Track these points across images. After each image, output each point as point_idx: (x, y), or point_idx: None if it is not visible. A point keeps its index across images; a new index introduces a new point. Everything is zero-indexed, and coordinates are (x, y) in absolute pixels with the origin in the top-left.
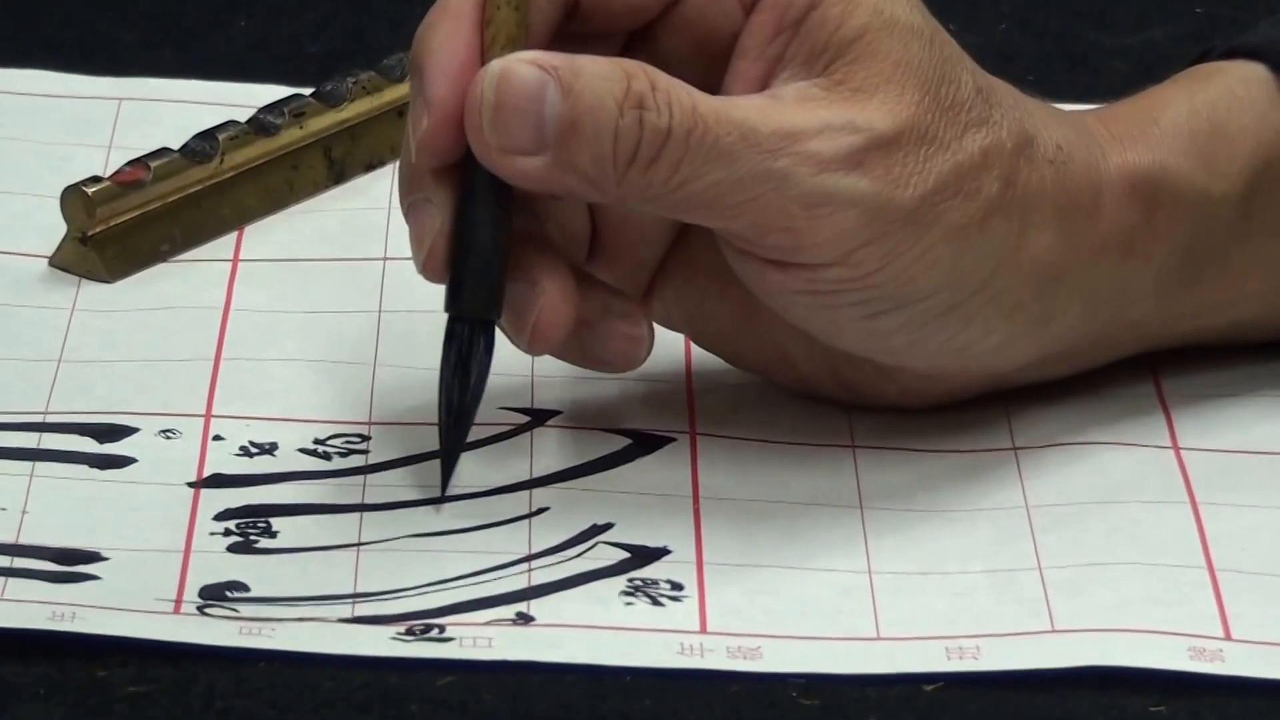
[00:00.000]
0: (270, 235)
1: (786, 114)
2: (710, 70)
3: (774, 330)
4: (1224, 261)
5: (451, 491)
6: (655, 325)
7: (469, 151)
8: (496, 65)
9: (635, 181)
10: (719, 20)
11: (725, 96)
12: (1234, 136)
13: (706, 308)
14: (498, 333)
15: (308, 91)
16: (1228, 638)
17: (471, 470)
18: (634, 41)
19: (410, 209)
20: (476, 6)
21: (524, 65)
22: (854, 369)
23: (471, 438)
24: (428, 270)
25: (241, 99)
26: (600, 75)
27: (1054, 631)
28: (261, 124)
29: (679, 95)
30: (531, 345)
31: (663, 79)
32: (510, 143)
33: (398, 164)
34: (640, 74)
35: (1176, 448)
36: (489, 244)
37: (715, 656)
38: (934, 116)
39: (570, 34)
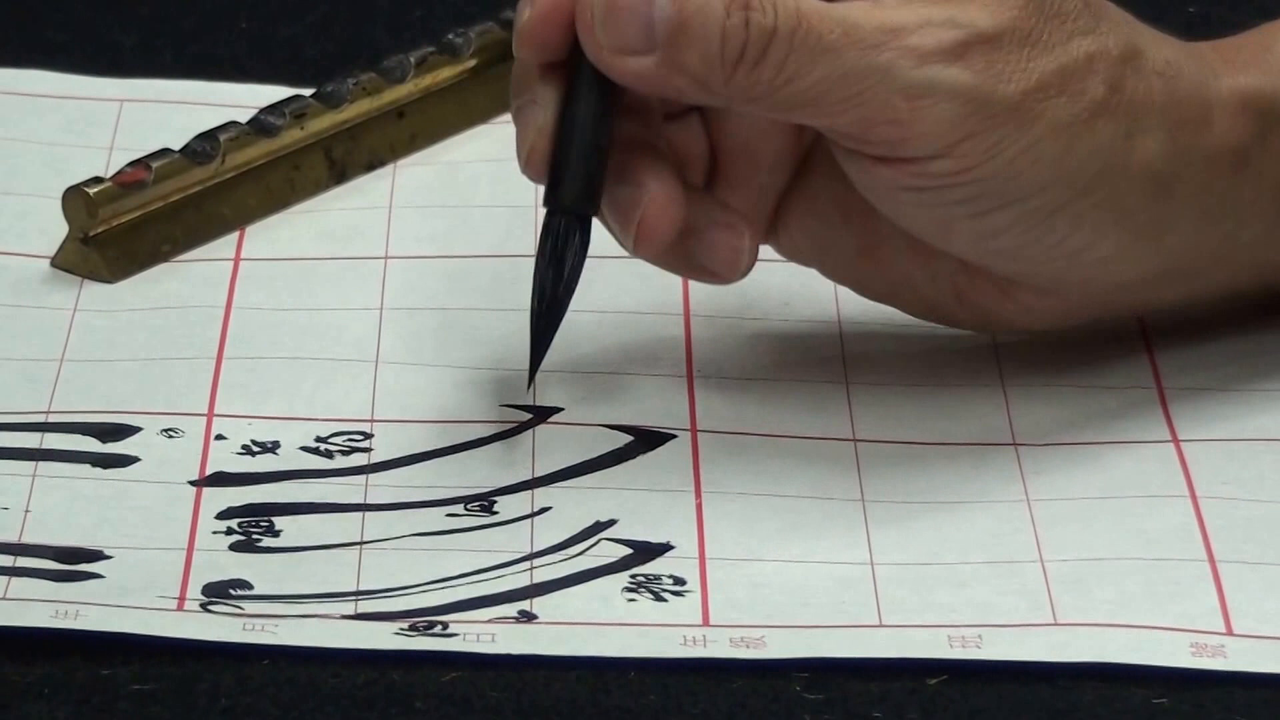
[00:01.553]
0: (271, 235)
1: (889, 12)
2: None
3: (897, 256)
4: None
5: (456, 494)
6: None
7: (574, 49)
8: None
9: (743, 81)
10: None
11: None
12: None
13: (830, 237)
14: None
15: (308, 92)
16: (1229, 633)
17: (474, 470)
18: None
19: (517, 111)
20: None
21: None
22: (974, 288)
23: (474, 435)
24: (529, 168)
25: (242, 100)
26: None
27: (1056, 624)
28: (262, 125)
29: None
30: (637, 245)
31: None
32: (620, 42)
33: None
34: None
35: (1176, 440)
36: (589, 139)
37: (718, 647)
38: (1038, 21)
39: None
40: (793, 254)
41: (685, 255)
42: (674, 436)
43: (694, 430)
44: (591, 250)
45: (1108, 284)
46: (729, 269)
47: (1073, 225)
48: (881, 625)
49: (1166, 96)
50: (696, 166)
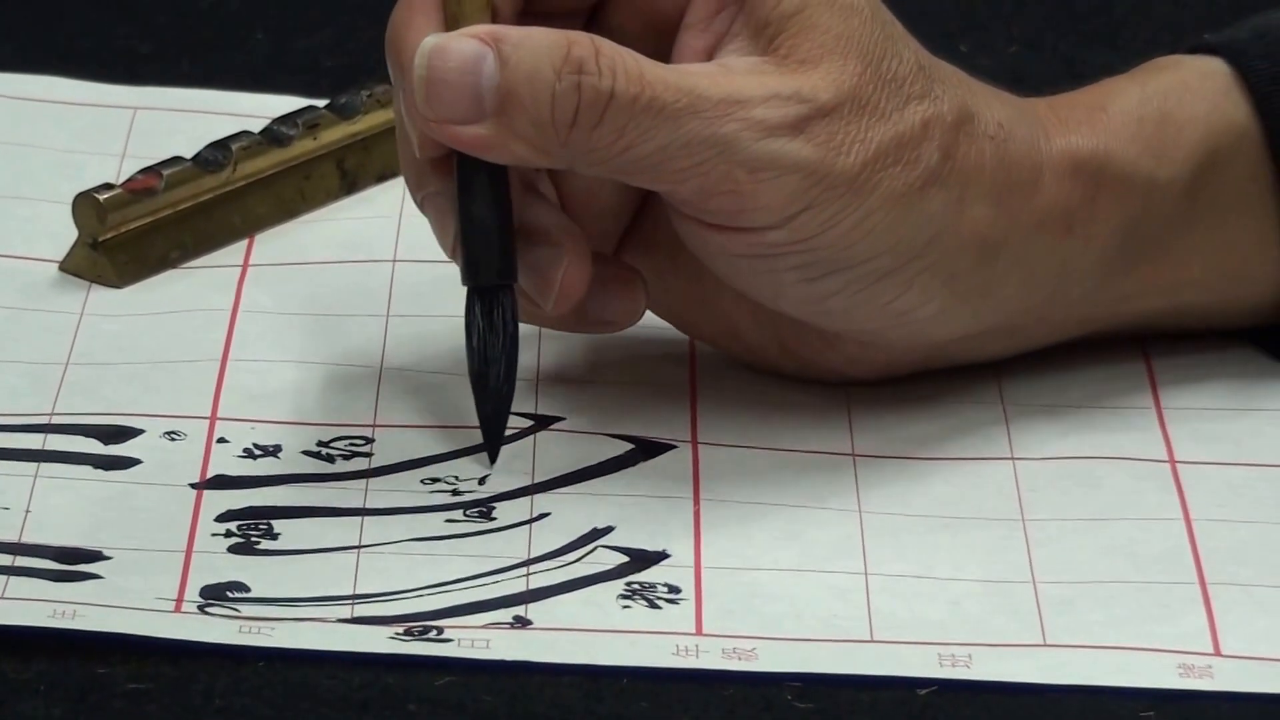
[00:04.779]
0: (280, 242)
1: (736, 81)
2: (661, 47)
3: (722, 301)
4: (1167, 245)
5: (456, 498)
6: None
7: None
8: (429, 41)
9: (580, 144)
10: None
11: (674, 65)
12: (1183, 124)
13: (659, 279)
14: None
15: (322, 103)
16: (1217, 653)
17: (474, 475)
18: (591, 22)
19: (424, 203)
20: None
21: (461, 39)
22: (799, 339)
23: (475, 442)
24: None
25: (256, 110)
26: (540, 44)
27: (1045, 645)
28: (275, 135)
29: (625, 60)
30: (557, 304)
31: (608, 46)
32: (447, 113)
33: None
34: (584, 41)
35: (1173, 461)
36: (489, 214)
37: (710, 657)
38: (875, 87)
39: (534, 13)
40: None
41: (581, 311)
42: (674, 447)
43: (694, 442)
44: None
45: (931, 340)
46: (628, 316)
47: (901, 288)
48: (873, 641)
49: (997, 161)
50: None
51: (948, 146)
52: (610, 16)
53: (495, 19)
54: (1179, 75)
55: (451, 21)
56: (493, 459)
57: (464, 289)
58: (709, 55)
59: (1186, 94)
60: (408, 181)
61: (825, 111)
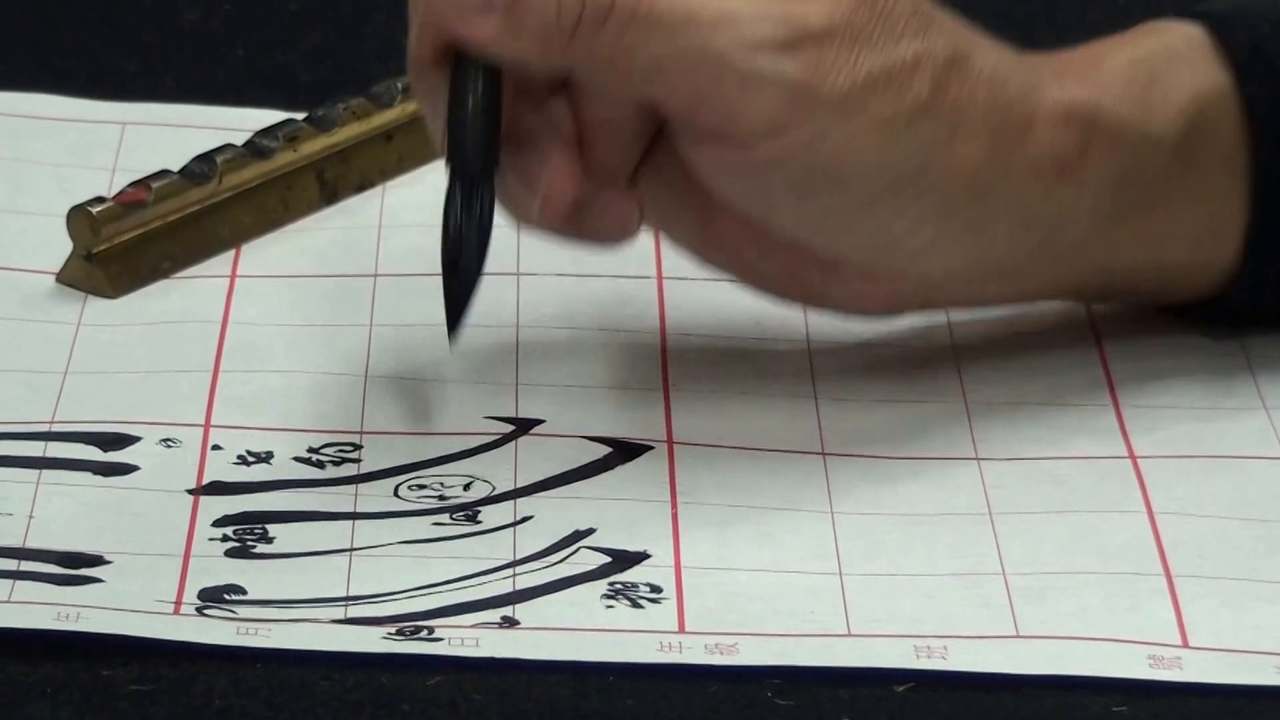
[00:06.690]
0: (266, 253)
1: (731, 1)
2: None
3: (731, 231)
4: (1157, 197)
5: (442, 503)
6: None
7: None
8: None
9: (582, 49)
10: None
11: None
12: (1171, 86)
13: (672, 206)
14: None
15: (301, 116)
16: (1185, 645)
17: (457, 479)
18: None
19: (421, 95)
20: None
21: None
22: (803, 269)
23: (459, 448)
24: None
25: (238, 123)
26: None
27: (1019, 636)
28: (257, 147)
29: None
30: (544, 209)
31: None
32: (458, 4)
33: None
34: None
35: (1133, 456)
36: (478, 108)
37: (693, 653)
38: (869, 19)
39: None
40: None
41: (578, 223)
42: (651, 448)
43: (670, 442)
44: (575, 271)
45: (928, 276)
46: (621, 231)
47: (893, 214)
48: (850, 634)
49: (990, 102)
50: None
51: (940, 82)
52: None
53: None
54: (1166, 40)
55: None
56: (451, 340)
57: (442, 269)
58: None
59: (1174, 58)
60: (410, 72)
61: (816, 36)
